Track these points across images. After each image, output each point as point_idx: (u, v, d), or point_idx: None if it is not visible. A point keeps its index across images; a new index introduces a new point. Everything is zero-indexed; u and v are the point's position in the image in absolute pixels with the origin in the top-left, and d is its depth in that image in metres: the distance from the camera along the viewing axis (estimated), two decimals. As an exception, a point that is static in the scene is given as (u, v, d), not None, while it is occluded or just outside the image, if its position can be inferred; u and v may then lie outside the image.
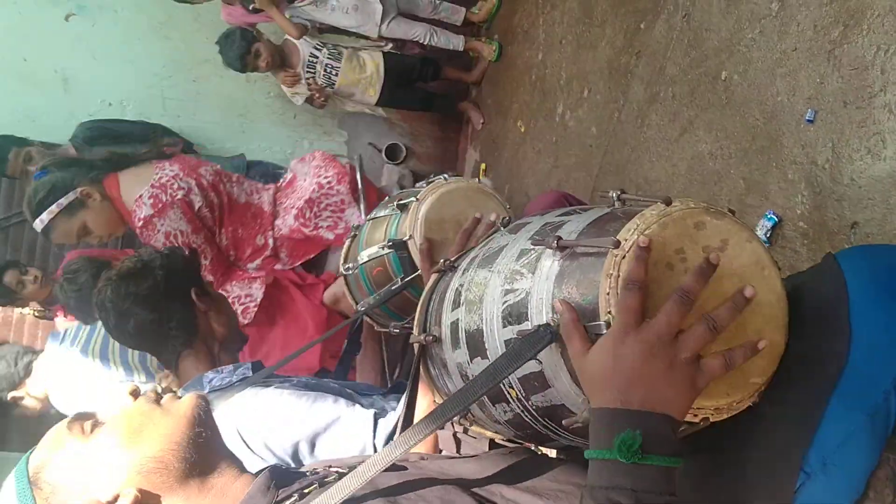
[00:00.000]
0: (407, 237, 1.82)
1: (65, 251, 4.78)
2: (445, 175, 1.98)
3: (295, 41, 4.26)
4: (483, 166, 4.59)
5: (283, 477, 1.16)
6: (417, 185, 2.05)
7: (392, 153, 5.01)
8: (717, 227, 0.92)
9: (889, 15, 1.79)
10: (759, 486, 1.04)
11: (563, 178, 3.44)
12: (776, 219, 2.05)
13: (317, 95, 4.44)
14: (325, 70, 4.32)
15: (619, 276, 0.88)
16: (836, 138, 1.92)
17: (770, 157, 2.13)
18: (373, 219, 2.05)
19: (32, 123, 4.77)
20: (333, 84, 4.36)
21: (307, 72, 4.33)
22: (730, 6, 2.36)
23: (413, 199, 1.87)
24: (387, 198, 2.21)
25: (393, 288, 1.90)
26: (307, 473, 1.20)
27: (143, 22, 4.80)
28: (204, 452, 1.14)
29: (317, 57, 4.31)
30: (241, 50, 4.14)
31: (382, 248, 1.90)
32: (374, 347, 2.29)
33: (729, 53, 2.34)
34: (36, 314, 4.79)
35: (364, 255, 1.97)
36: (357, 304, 2.10)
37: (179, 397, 1.20)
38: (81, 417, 1.14)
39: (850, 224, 1.86)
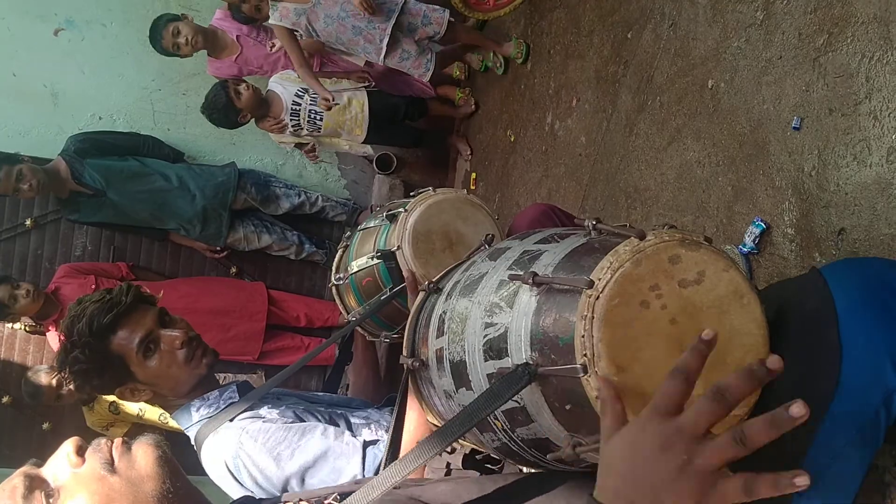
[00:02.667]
0: (395, 248, 1.82)
1: (56, 265, 4.78)
2: (433, 188, 1.99)
3: (278, 93, 4.18)
4: (473, 175, 4.60)
5: None
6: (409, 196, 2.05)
7: (383, 163, 5.01)
8: (693, 259, 0.92)
9: (873, 23, 1.80)
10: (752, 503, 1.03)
11: (552, 188, 3.44)
12: (764, 226, 2.06)
13: (307, 149, 4.45)
14: (308, 116, 4.19)
15: (593, 317, 0.87)
16: (822, 145, 1.93)
17: (757, 165, 2.14)
18: (363, 229, 2.05)
19: (22, 138, 4.77)
20: (319, 128, 4.25)
21: (292, 119, 4.21)
22: (716, 15, 2.38)
23: (402, 209, 1.88)
24: (377, 208, 2.22)
25: (382, 298, 1.90)
26: None
27: (131, 36, 4.79)
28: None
29: (299, 104, 4.18)
30: (224, 98, 4.04)
31: (371, 258, 1.91)
32: (367, 355, 2.28)
33: (715, 62, 2.36)
34: (27, 329, 4.78)
35: (354, 266, 1.97)
36: (348, 314, 2.10)
37: (130, 449, 1.07)
38: (32, 485, 1.02)
39: (837, 230, 1.87)
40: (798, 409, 0.72)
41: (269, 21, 3.64)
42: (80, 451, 1.05)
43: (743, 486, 0.73)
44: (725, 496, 0.74)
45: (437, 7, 3.80)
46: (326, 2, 3.55)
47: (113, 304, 1.69)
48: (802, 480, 0.72)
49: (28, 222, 4.81)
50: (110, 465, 1.04)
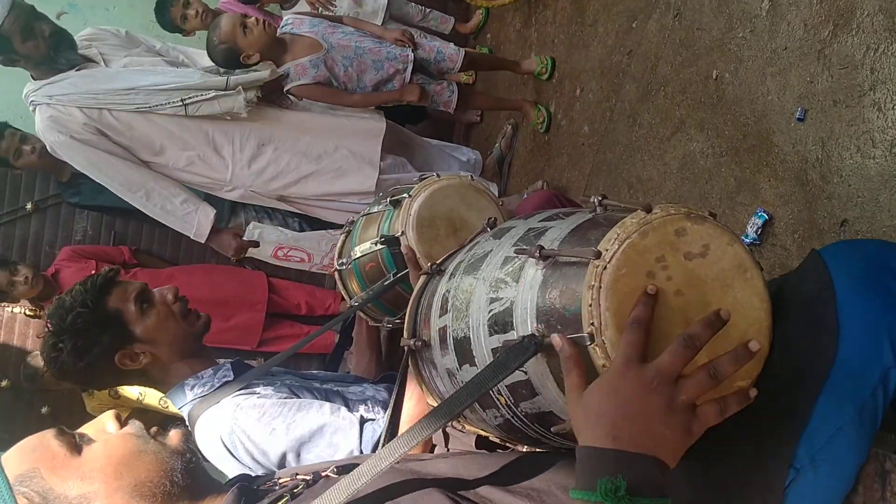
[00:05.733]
0: (399, 233, 1.83)
1: (56, 249, 4.78)
2: (437, 173, 2.00)
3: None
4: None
5: (251, 494, 1.15)
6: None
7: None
8: (698, 233, 0.92)
9: (879, 14, 1.80)
10: (749, 484, 1.04)
11: (555, 177, 3.44)
12: (766, 216, 2.07)
13: None
14: None
15: (600, 286, 0.88)
16: (825, 137, 1.93)
17: (761, 156, 2.15)
18: (366, 215, 2.06)
19: (24, 120, 4.75)
20: None
21: None
22: (721, 5, 2.37)
23: (406, 195, 1.88)
24: (381, 193, 2.22)
25: (385, 283, 1.90)
26: (276, 486, 1.19)
27: (135, 19, 4.77)
28: (191, 477, 1.13)
29: None
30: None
31: (375, 243, 1.91)
32: (371, 338, 2.29)
33: (720, 52, 2.36)
34: (27, 314, 4.79)
35: (357, 251, 1.98)
36: (350, 298, 2.11)
37: (165, 431, 1.19)
38: (66, 432, 1.12)
39: (840, 222, 1.87)
40: (754, 344, 0.88)
41: (288, 87, 3.28)
42: (119, 419, 1.15)
43: (717, 408, 0.87)
44: (708, 420, 0.87)
45: (450, 43, 3.61)
46: (339, 43, 3.28)
47: (99, 275, 1.78)
48: (754, 345, 0.88)
49: (29, 206, 4.80)
50: (146, 431, 1.14)
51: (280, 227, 3.70)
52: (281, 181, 3.44)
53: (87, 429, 1.15)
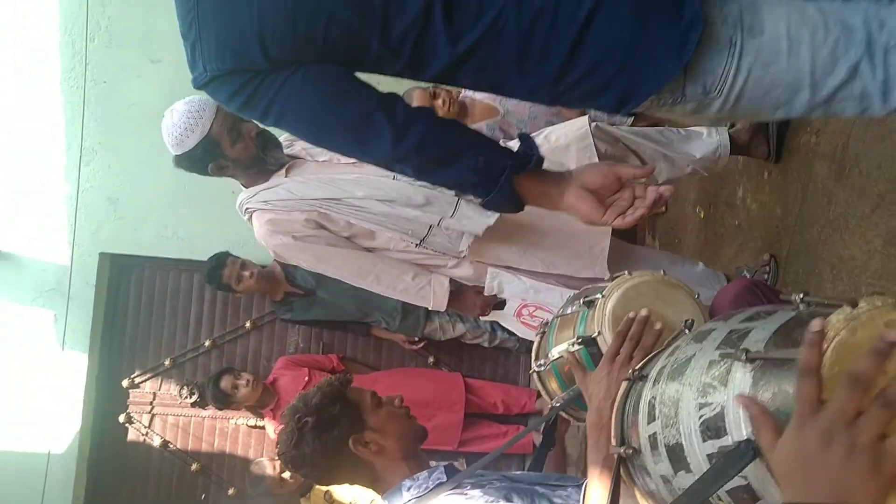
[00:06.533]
0: (596, 333, 1.86)
1: (272, 362, 5.19)
2: (628, 271, 2.02)
3: None
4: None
5: None
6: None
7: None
8: None
9: None
10: None
11: (749, 262, 3.36)
12: None
13: None
14: None
15: None
16: None
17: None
18: (560, 316, 2.10)
19: (241, 248, 4.98)
20: None
21: None
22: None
23: (599, 295, 1.92)
24: (572, 294, 2.27)
25: (586, 384, 1.93)
26: None
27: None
28: None
29: None
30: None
31: (572, 344, 1.94)
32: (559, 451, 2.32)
33: (916, 124, 2.27)
34: (249, 424, 5.19)
35: (555, 353, 2.01)
36: (551, 399, 2.14)
37: None
38: None
39: None
40: None
41: None
42: None
43: None
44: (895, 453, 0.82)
45: None
46: (515, 108, 3.37)
47: (339, 378, 1.99)
48: None
49: (248, 324, 5.29)
50: None
51: (518, 275, 3.22)
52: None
53: None
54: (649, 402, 1.20)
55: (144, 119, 5.03)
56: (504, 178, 1.54)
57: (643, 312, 1.63)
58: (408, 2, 1.37)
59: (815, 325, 0.88)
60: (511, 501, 1.78)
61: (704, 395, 1.04)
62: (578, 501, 1.81)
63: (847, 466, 0.82)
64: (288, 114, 1.50)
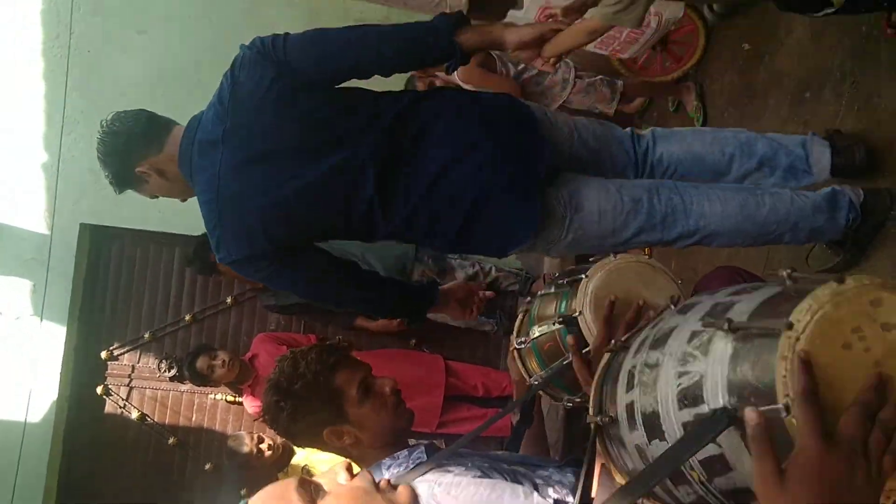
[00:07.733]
0: (577, 313, 1.86)
1: (252, 336, 5.16)
2: (612, 255, 2.02)
3: None
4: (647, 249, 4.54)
5: None
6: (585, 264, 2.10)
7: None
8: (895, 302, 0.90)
9: None
10: None
11: (732, 252, 3.37)
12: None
13: None
14: None
15: (794, 358, 0.87)
16: None
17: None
18: (543, 295, 2.11)
19: None
20: None
21: None
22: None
23: (582, 275, 1.93)
24: (553, 276, 2.28)
25: (564, 363, 1.93)
26: None
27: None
28: None
29: None
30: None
31: (553, 323, 1.95)
32: (541, 429, 2.32)
33: None
34: (228, 399, 5.17)
35: (535, 331, 2.02)
36: (530, 377, 2.14)
37: (393, 487, 1.29)
38: (307, 482, 1.22)
39: None
40: None
41: None
42: (350, 470, 1.27)
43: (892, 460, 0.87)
44: (889, 473, 0.86)
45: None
46: None
47: (333, 349, 1.92)
48: None
49: (229, 300, 5.27)
50: (375, 485, 1.24)
51: None
52: None
53: (321, 479, 1.25)
54: (629, 371, 1.20)
55: (129, 90, 5.01)
56: None
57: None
58: (358, 206, 2.23)
59: (802, 353, 0.87)
60: (492, 478, 1.78)
61: (684, 363, 1.03)
62: (561, 480, 1.82)
63: (867, 484, 0.86)
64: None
